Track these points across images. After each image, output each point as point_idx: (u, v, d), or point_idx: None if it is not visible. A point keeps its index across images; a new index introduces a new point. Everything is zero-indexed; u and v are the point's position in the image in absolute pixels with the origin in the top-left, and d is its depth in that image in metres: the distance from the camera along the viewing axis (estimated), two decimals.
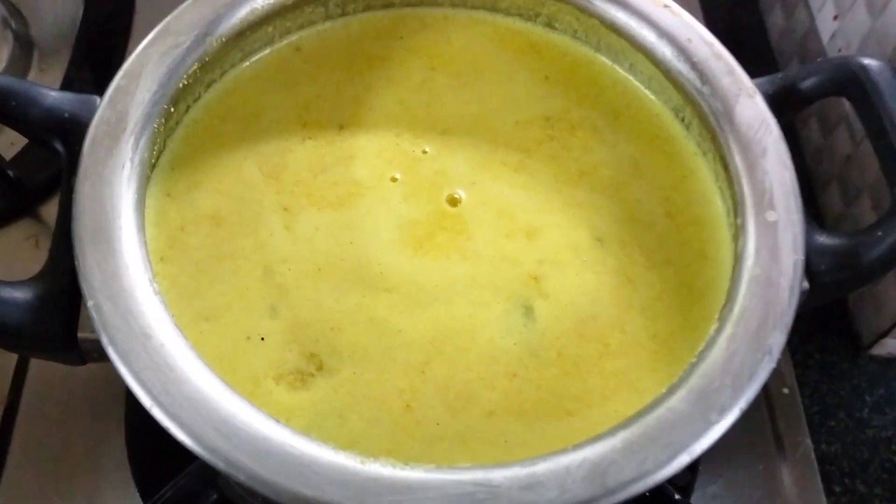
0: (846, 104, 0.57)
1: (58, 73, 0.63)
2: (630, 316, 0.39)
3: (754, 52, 0.69)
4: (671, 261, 0.40)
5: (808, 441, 0.52)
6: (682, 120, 0.44)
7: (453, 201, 0.42)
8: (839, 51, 0.58)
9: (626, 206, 0.42)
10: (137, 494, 0.47)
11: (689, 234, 0.41)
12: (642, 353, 0.38)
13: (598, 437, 0.32)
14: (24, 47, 0.64)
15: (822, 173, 0.60)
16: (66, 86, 0.62)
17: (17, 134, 0.41)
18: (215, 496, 0.42)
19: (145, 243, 0.37)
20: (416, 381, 0.37)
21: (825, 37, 0.61)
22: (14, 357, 0.52)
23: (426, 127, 0.44)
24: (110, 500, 0.48)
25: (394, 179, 0.42)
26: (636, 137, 0.44)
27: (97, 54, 0.65)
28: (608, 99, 0.45)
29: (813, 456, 0.51)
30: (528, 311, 0.39)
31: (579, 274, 0.40)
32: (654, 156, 0.44)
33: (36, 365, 0.51)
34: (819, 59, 0.58)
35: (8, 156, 0.57)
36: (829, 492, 0.51)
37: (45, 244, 0.55)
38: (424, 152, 0.43)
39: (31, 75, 0.64)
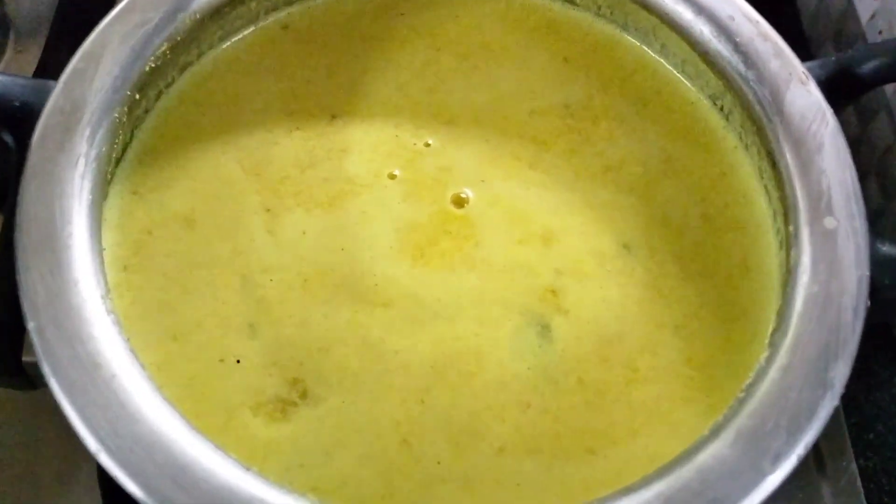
0: (888, 90, 0.54)
1: (35, 55, 0.61)
2: (661, 336, 0.36)
3: (783, 35, 0.68)
4: (708, 271, 0.38)
5: (854, 465, 0.49)
6: (721, 109, 0.42)
7: (459, 202, 0.40)
8: (880, 33, 0.56)
9: (657, 208, 0.40)
10: None
11: (729, 240, 0.39)
12: (676, 379, 0.36)
13: (628, 490, 0.30)
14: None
15: (860, 166, 0.58)
16: (42, 69, 0.60)
17: None
18: None
19: (100, 253, 0.35)
20: (415, 412, 0.34)
21: (864, 17, 0.59)
22: None
23: (429, 116, 0.42)
24: None
25: (392, 176, 0.40)
26: (668, 129, 0.42)
27: (77, 35, 0.61)
28: (636, 85, 0.44)
29: (859, 483, 0.49)
30: (545, 329, 0.37)
31: (603, 286, 0.38)
32: (688, 150, 0.42)
33: None
34: (882, 41, 0.57)
35: None
36: None
37: None
38: (427, 145, 0.41)
39: (6, 57, 0.62)
